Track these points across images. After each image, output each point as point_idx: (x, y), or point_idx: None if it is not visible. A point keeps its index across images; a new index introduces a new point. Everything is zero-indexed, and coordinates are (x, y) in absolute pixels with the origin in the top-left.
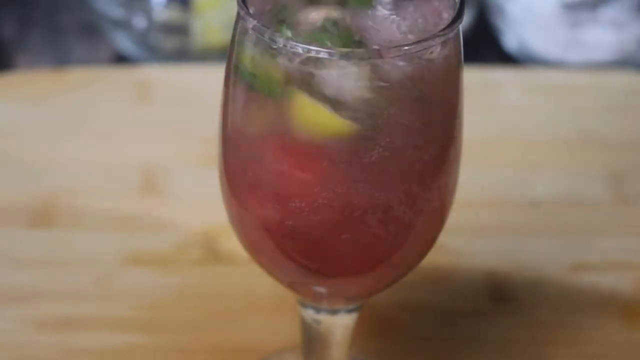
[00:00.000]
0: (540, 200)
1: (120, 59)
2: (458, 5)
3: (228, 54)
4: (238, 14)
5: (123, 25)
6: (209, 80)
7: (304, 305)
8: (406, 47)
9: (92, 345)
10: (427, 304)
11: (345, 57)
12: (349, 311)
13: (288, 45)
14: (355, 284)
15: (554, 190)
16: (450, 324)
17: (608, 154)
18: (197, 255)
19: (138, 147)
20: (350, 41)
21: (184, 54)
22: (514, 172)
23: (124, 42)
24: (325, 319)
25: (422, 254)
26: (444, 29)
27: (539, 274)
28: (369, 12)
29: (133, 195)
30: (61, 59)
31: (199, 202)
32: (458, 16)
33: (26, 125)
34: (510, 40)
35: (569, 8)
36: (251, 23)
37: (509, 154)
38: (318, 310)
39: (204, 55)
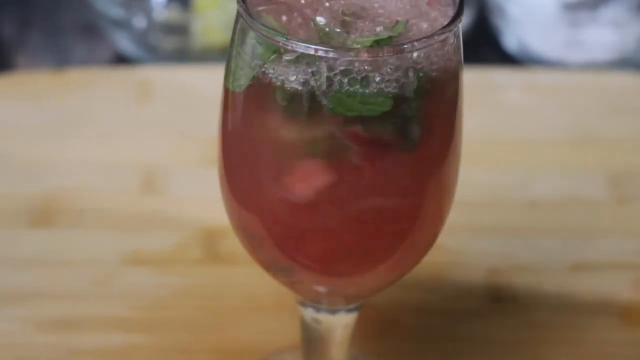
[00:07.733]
0: (540, 200)
1: (120, 59)
2: (457, 4)
3: (228, 54)
4: (238, 13)
5: (123, 25)
6: (209, 80)
7: (304, 304)
8: (405, 47)
9: (92, 345)
10: (427, 304)
11: (348, 56)
12: (349, 311)
13: (288, 44)
14: (355, 283)
15: (554, 190)
16: (450, 324)
17: (608, 154)
18: (197, 255)
19: (138, 147)
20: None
21: (184, 54)
22: (514, 172)
23: (124, 42)
24: (325, 318)
25: (422, 254)
26: (443, 29)
27: (539, 274)
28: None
29: (133, 195)
30: (61, 59)
31: (199, 202)
32: (457, 15)
33: (26, 125)
34: (510, 40)
35: (569, 8)
36: (251, 22)
37: (509, 154)
38: (318, 309)
39: (204, 55)
